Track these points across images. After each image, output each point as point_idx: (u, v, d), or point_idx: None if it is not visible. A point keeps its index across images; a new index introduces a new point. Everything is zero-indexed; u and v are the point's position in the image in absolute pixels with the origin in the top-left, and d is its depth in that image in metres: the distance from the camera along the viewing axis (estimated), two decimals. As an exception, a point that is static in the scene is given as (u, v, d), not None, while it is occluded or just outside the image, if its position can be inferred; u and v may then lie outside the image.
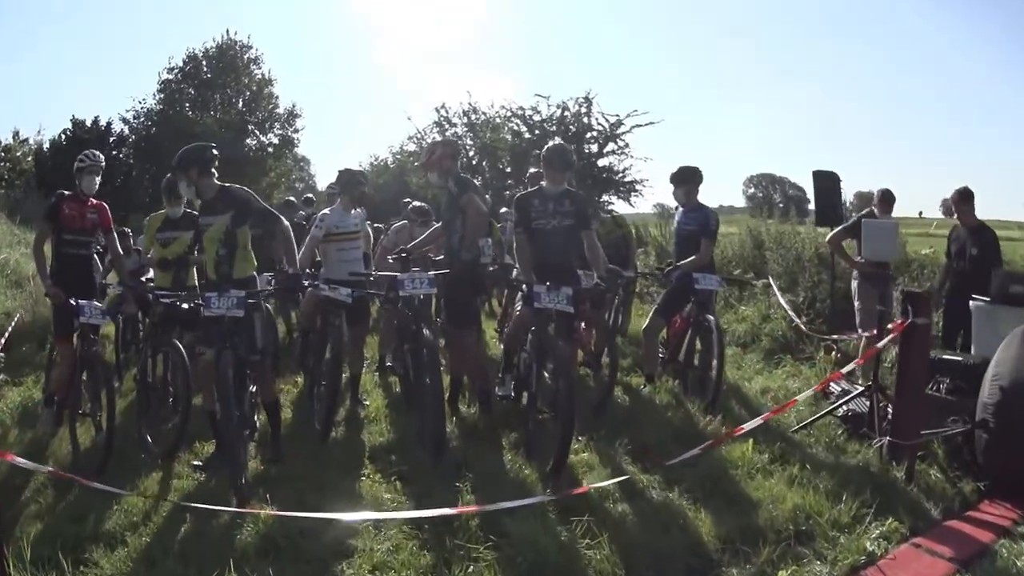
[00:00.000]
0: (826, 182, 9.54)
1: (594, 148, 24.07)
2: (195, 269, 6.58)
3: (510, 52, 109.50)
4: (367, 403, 6.45)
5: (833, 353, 8.02)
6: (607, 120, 24.00)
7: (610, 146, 24.38)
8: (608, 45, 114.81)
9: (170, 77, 31.07)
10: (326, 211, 6.51)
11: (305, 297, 6.38)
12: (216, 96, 32.06)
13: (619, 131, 24.00)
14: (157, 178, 23.42)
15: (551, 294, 4.90)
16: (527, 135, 24.69)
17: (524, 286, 5.17)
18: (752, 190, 70.40)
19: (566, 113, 24.26)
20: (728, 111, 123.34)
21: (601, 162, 24.48)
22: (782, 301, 9.36)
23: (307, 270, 5.58)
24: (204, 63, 31.54)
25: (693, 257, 6.47)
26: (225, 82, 31.82)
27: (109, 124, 29.10)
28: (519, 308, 5.49)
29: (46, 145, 27.36)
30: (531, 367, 5.08)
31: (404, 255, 5.91)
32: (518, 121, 24.94)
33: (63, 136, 27.28)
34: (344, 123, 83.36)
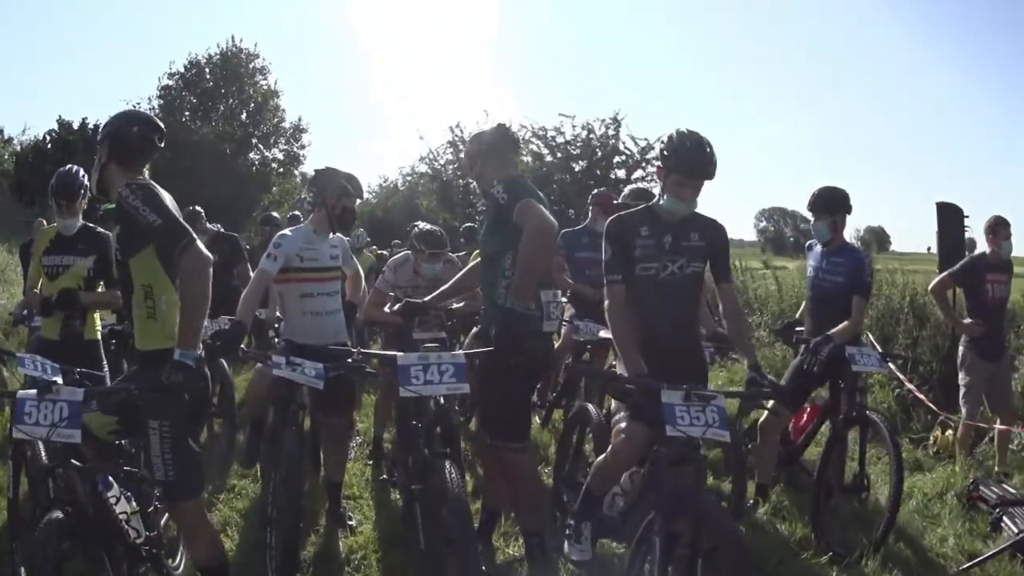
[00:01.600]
0: (950, 217, 7.81)
1: (621, 174, 22.04)
2: (96, 315, 4.37)
3: (522, 65, 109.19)
4: (352, 520, 4.31)
5: (948, 432, 6.37)
6: (636, 144, 22.09)
7: (638, 172, 22.41)
8: (609, 46, 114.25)
9: (171, 83, 29.56)
10: (286, 231, 4.11)
11: (254, 373, 4.23)
12: (219, 106, 30.48)
13: (649, 155, 22.05)
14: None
15: (695, 411, 2.62)
16: (548, 158, 22.87)
17: (633, 387, 2.83)
18: (764, 223, 68.67)
19: (591, 135, 22.39)
20: (746, 139, 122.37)
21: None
22: (893, 367, 7.35)
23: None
24: (207, 70, 30.01)
25: (845, 324, 4.34)
26: (228, 91, 30.25)
27: (97, 127, 27.29)
28: (622, 424, 3.07)
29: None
30: (639, 525, 2.77)
31: (409, 309, 3.77)
32: (539, 143, 23.08)
33: (47, 137, 25.49)
34: (355, 143, 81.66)
